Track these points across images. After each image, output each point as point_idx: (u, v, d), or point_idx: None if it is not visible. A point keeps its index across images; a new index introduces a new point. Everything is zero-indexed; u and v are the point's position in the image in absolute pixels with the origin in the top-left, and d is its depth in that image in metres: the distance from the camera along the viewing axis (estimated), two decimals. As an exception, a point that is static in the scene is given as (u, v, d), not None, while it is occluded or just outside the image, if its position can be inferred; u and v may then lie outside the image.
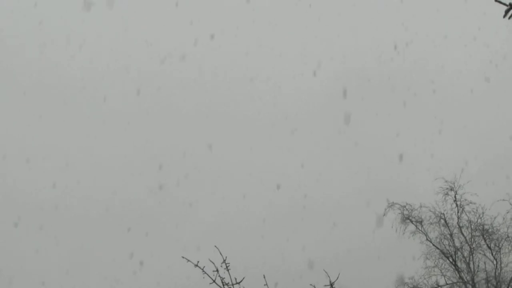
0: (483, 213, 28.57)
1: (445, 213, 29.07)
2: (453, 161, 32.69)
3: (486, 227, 28.53)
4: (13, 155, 39.06)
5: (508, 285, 27.85)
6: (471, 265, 28.47)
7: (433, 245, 28.96)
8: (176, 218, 36.94)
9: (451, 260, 28.62)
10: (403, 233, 28.94)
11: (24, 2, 41.26)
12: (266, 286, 11.60)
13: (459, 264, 28.62)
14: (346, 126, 39.42)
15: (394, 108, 39.68)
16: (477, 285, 28.23)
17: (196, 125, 40.90)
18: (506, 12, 7.77)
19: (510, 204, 28.15)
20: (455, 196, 28.87)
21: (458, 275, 28.48)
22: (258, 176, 38.79)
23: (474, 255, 28.59)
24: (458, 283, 28.52)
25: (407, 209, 29.21)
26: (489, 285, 28.15)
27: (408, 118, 39.30)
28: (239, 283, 11.61)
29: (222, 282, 11.59)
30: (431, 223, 29.11)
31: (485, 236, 28.52)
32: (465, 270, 28.53)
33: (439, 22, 40.87)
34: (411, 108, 39.09)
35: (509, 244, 28.34)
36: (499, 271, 28.13)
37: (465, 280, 28.40)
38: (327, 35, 41.97)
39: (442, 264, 28.73)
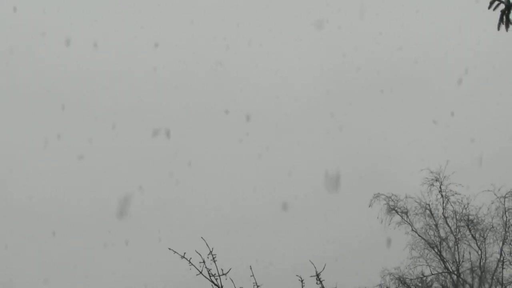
0: (468, 203, 28.74)
1: (430, 203, 29.21)
2: (439, 152, 32.83)
3: (471, 217, 28.69)
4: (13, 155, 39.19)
5: (493, 275, 28.03)
6: (456, 255, 28.63)
7: (419, 235, 29.10)
8: (173, 216, 37.08)
9: (436, 250, 28.77)
10: (389, 224, 29.08)
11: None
12: (252, 277, 11.63)
13: (444, 254, 28.77)
14: (333, 119, 39.56)
15: (382, 101, 39.81)
16: (462, 275, 28.40)
17: (190, 126, 40.93)
18: (491, 3, 7.81)
19: (495, 194, 28.34)
20: (440, 187, 29.00)
21: (443, 265, 28.64)
22: (251, 173, 38.93)
23: (459, 245, 28.75)
24: (443, 273, 28.68)
25: (392, 200, 29.32)
26: (474, 275, 28.33)
27: (395, 110, 39.42)
28: (225, 274, 11.62)
29: (209, 273, 11.61)
30: (416, 214, 29.25)
31: (470, 227, 28.67)
32: (450, 260, 28.70)
33: (429, 18, 40.99)
34: (399, 100, 39.21)
35: (493, 235, 28.52)
36: (484, 261, 28.30)
37: (450, 270, 28.56)
38: (318, 34, 42.05)
39: (427, 255, 28.90)
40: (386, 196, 29.33)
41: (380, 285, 28.30)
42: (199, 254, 11.38)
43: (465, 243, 28.81)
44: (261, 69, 41.84)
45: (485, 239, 28.52)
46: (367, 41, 40.44)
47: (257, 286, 11.70)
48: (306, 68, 41.78)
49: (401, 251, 28.61)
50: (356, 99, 40.28)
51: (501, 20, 7.82)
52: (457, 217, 28.91)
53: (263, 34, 42.05)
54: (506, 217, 28.31)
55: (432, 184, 29.08)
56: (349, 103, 40.24)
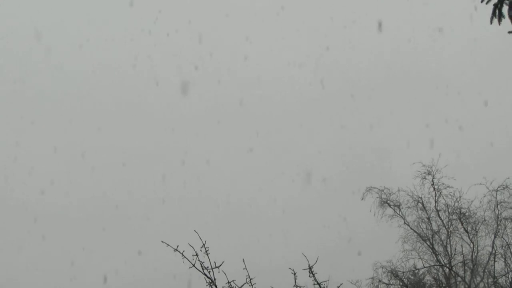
0: (460, 197, 28.81)
1: (422, 197, 29.27)
2: (431, 146, 32.90)
3: (463, 210, 28.76)
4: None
5: (485, 267, 28.13)
6: (448, 248, 28.71)
7: (411, 228, 29.16)
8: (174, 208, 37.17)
9: (428, 243, 28.84)
10: (381, 217, 29.14)
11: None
12: (245, 270, 11.64)
13: (436, 247, 28.85)
14: (327, 113, 39.64)
15: (377, 96, 39.88)
16: (454, 268, 28.49)
17: (195, 125, 41.02)
18: (484, -3, 7.81)
19: (487, 188, 28.42)
20: (432, 180, 29.06)
21: (435, 258, 28.71)
22: (243, 167, 38.98)
23: (451, 238, 28.83)
24: (435, 266, 28.77)
25: (385, 193, 29.37)
26: (466, 267, 28.42)
27: (390, 105, 39.51)
28: (218, 267, 11.63)
29: (202, 266, 11.62)
30: (409, 207, 29.31)
31: (462, 220, 28.75)
32: (442, 253, 28.77)
33: (426, 13, 41.06)
34: (394, 95, 39.30)
35: (485, 228, 28.61)
36: (475, 254, 28.39)
37: (443, 263, 28.64)
38: (313, 27, 42.12)
39: (419, 248, 28.97)
40: (379, 189, 29.39)
41: (372, 278, 28.38)
42: (192, 247, 11.39)
43: (457, 236, 28.90)
44: (267, 66, 41.94)
45: (477, 232, 28.61)
46: (364, 37, 40.50)
47: (250, 279, 11.72)
48: (305, 63, 41.83)
49: (393, 244, 28.71)
50: (351, 93, 40.34)
51: (493, 13, 7.84)
52: (449, 210, 28.99)
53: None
54: (498, 210, 28.42)
55: (425, 178, 29.15)
56: (344, 97, 40.32)
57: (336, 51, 40.60)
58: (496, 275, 27.81)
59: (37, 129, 40.17)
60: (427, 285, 28.61)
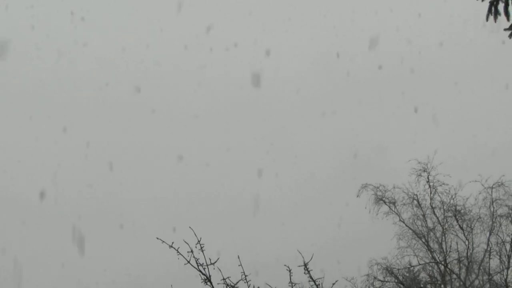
0: (455, 194, 28.85)
1: (418, 194, 29.28)
2: (427, 143, 32.93)
3: (458, 208, 28.79)
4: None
5: (480, 265, 28.17)
6: (444, 246, 28.74)
7: (406, 225, 29.18)
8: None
9: (423, 240, 28.87)
10: (377, 214, 29.15)
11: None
12: (240, 267, 11.65)
13: (431, 244, 28.88)
14: (324, 110, 39.62)
15: (372, 92, 39.87)
16: (449, 265, 28.52)
17: (193, 123, 41.05)
18: (480, -6, 7.80)
19: (482, 185, 28.44)
20: (428, 177, 29.07)
21: (430, 255, 28.75)
22: (235, 164, 39.00)
23: (446, 235, 28.87)
24: (430, 263, 28.80)
25: (380, 190, 29.38)
26: (461, 265, 28.46)
27: (384, 102, 39.51)
28: (213, 263, 11.63)
29: (197, 263, 11.62)
30: (404, 204, 29.31)
31: (457, 217, 28.78)
32: (437, 251, 28.80)
33: (415, 6, 40.99)
34: (388, 91, 39.29)
35: (481, 225, 28.64)
36: (471, 251, 28.43)
37: (438, 260, 28.68)
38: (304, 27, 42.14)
39: (415, 245, 28.98)
40: (374, 187, 29.39)
41: (367, 275, 28.39)
42: (187, 243, 11.39)
43: (452, 234, 28.93)
44: (266, 64, 41.91)
45: (472, 229, 28.64)
46: (362, 33, 40.46)
47: (245, 276, 11.72)
48: (300, 56, 41.80)
49: (388, 241, 28.73)
50: (348, 89, 40.33)
51: (489, 11, 7.83)
52: (445, 207, 29.01)
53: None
54: (493, 208, 28.45)
55: (420, 175, 29.16)
56: (340, 93, 40.31)
57: (334, 44, 40.60)
58: (491, 272, 27.86)
59: (38, 123, 40.15)
60: (422, 282, 28.64)
